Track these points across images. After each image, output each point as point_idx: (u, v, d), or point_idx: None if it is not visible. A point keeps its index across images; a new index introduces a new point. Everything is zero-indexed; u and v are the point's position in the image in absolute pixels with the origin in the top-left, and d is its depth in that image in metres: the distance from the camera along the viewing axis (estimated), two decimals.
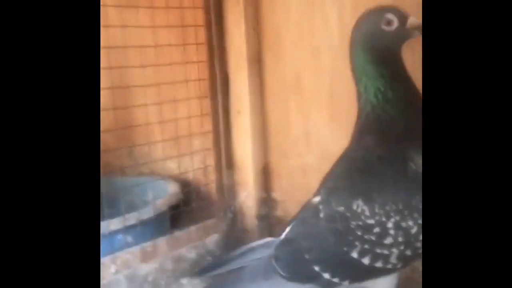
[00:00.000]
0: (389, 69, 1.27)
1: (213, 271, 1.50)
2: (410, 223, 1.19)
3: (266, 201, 1.91)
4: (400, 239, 1.20)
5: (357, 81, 1.32)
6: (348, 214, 1.25)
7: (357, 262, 1.24)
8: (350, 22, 1.57)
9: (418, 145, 1.15)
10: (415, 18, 1.25)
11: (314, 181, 1.78)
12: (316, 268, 1.29)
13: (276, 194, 1.90)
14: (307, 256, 1.30)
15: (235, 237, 1.91)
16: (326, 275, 1.29)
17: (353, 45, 1.31)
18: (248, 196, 1.88)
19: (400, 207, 1.20)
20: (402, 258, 1.22)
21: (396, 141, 1.25)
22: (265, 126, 1.85)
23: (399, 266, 1.23)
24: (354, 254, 1.24)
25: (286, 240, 1.38)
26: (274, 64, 1.78)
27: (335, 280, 1.29)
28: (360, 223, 1.23)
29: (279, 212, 1.90)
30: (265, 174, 1.89)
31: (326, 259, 1.29)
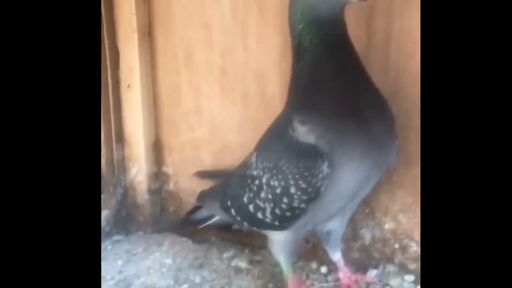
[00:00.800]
0: (322, 33, 1.19)
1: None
2: (276, 183, 1.25)
3: (157, 175, 1.90)
4: (269, 196, 1.28)
5: (292, 39, 1.24)
6: (248, 163, 1.36)
7: (247, 207, 1.34)
8: None
9: (302, 113, 1.22)
10: None
11: (206, 154, 1.82)
12: (228, 203, 1.42)
13: (168, 168, 1.90)
14: (228, 190, 1.44)
15: (125, 213, 1.90)
16: (233, 211, 1.42)
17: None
18: (138, 171, 1.87)
19: (271, 166, 1.27)
20: (274, 215, 1.28)
21: (291, 104, 1.29)
22: (156, 100, 1.84)
23: (276, 222, 1.30)
24: (245, 199, 1.35)
25: (229, 173, 1.53)
26: (165, 38, 1.76)
27: (238, 218, 1.41)
28: (250, 172, 1.33)
29: (170, 186, 1.91)
30: (156, 149, 1.88)
31: (232, 198, 1.41)
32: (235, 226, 1.61)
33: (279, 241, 1.40)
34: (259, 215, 1.31)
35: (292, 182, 1.21)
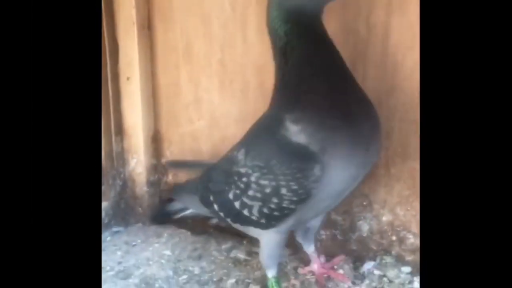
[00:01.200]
0: (299, 30, 1.22)
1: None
2: (266, 182, 1.25)
3: (156, 167, 1.91)
4: (258, 194, 1.27)
5: (272, 38, 1.28)
6: (234, 159, 1.34)
7: (232, 204, 1.34)
8: None
9: (293, 112, 1.22)
10: None
11: (205, 147, 1.83)
12: (211, 198, 1.41)
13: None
14: (210, 185, 1.43)
15: (124, 204, 1.91)
16: (216, 207, 1.41)
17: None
18: (138, 163, 1.88)
19: (262, 165, 1.26)
20: (262, 213, 1.28)
21: (281, 103, 1.29)
22: (155, 93, 1.84)
23: (262, 221, 1.30)
24: (230, 195, 1.34)
25: (209, 168, 1.51)
26: (165, 30, 1.77)
27: (221, 214, 1.41)
28: (237, 169, 1.32)
29: (169, 178, 1.92)
30: (155, 141, 1.89)
31: (215, 193, 1.41)
32: (213, 221, 1.61)
33: (266, 242, 1.40)
34: (245, 212, 1.31)
35: (283, 183, 1.21)
